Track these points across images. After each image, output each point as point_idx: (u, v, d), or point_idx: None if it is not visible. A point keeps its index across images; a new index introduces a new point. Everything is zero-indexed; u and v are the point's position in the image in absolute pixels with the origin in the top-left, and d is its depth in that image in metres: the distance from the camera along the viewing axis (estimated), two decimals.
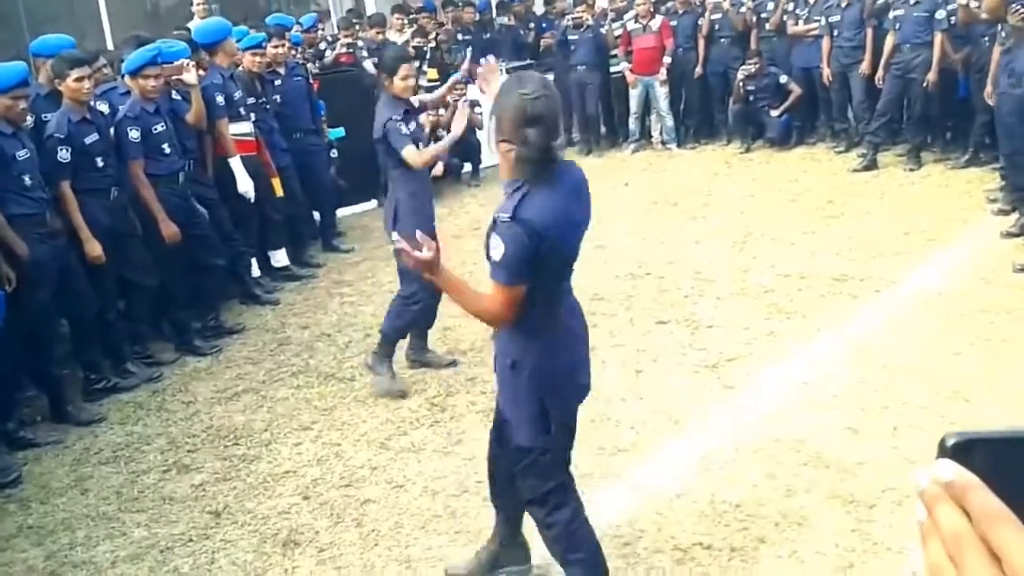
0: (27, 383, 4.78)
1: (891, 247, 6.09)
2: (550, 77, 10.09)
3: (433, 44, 9.62)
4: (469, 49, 9.21)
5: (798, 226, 6.76)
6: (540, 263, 2.46)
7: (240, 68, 6.42)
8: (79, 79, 4.75)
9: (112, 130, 5.07)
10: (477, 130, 9.18)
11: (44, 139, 4.70)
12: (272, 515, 3.66)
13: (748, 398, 4.25)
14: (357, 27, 9.47)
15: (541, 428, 2.68)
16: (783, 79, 9.22)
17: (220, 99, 5.89)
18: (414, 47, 9.00)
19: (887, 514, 3.21)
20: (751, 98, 9.35)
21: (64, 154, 4.70)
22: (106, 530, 3.66)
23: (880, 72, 8.25)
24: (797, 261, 6.00)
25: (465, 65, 5.05)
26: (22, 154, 4.44)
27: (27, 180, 4.45)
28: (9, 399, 4.50)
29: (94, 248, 4.77)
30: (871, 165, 8.21)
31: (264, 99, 6.51)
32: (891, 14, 8.12)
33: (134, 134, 5.02)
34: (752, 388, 4.36)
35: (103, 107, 5.23)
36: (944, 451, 0.67)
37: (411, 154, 4.45)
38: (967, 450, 0.67)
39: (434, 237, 4.30)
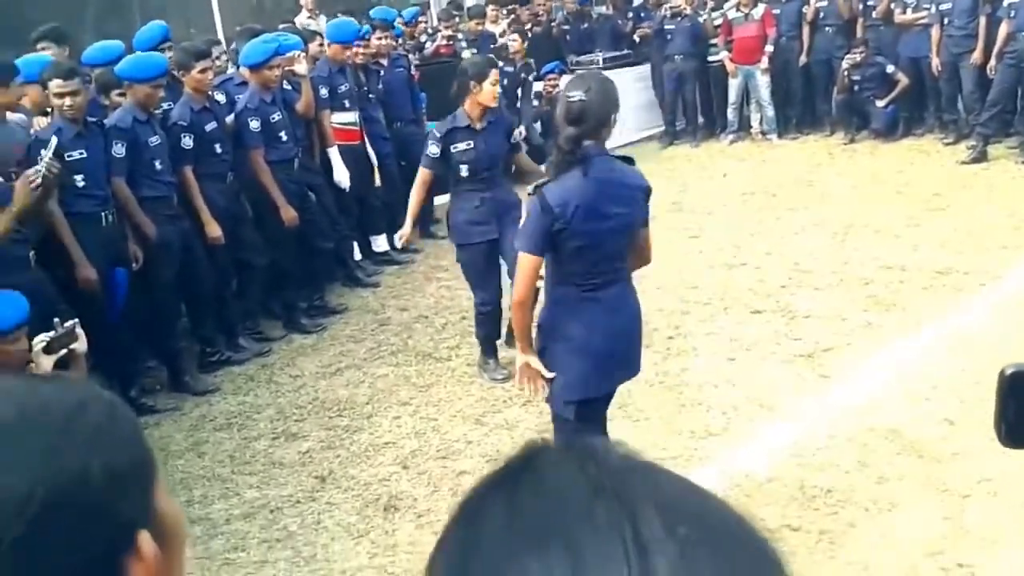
0: (148, 354, 5.13)
1: (998, 241, 5.92)
2: (646, 68, 10.23)
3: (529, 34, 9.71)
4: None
5: (902, 218, 6.62)
6: (555, 240, 2.77)
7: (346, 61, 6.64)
8: (203, 71, 5.05)
9: (229, 119, 5.35)
10: None
11: (168, 127, 5.01)
12: (373, 482, 3.85)
13: (843, 388, 4.24)
14: (457, 19, 9.65)
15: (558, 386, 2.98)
16: (890, 69, 8.99)
17: (324, 92, 6.15)
18: (517, 32, 9.14)
19: (981, 504, 3.18)
20: (856, 88, 9.14)
21: (187, 141, 5.01)
22: (220, 490, 3.93)
23: (992, 62, 7.98)
24: (900, 253, 5.89)
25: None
26: (154, 140, 4.77)
27: (157, 165, 4.79)
28: (132, 369, 4.84)
29: (214, 230, 5.07)
30: (981, 157, 7.95)
31: (368, 89, 6.73)
32: (1006, 1, 7.83)
33: (254, 124, 5.30)
34: (848, 378, 4.34)
35: (220, 97, 5.53)
36: (1002, 381, 0.75)
37: (419, 174, 4.58)
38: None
39: (488, 250, 4.54)
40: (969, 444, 3.57)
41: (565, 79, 9.51)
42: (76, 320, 2.61)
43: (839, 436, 3.78)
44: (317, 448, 4.22)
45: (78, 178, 4.40)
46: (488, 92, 4.41)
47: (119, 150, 4.64)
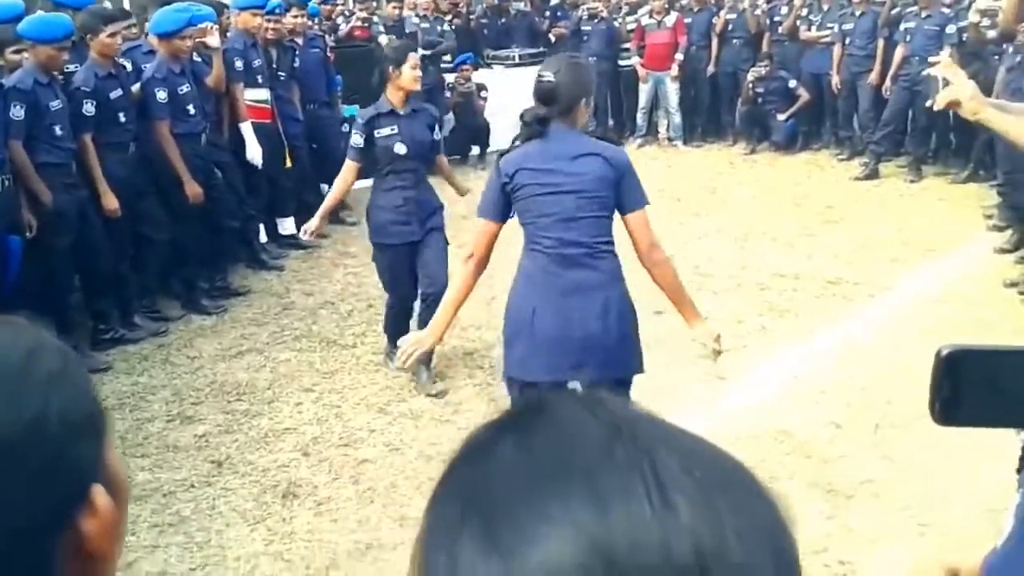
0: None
1: (888, 254, 6.24)
2: None
3: (450, 25, 9.70)
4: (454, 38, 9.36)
5: (798, 228, 6.90)
6: (509, 204, 2.84)
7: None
8: (112, 35, 4.86)
9: (135, 87, 5.16)
10: (480, 115, 9.32)
11: (71, 91, 4.80)
12: (272, 468, 3.80)
13: (738, 389, 4.39)
14: (374, 3, 9.55)
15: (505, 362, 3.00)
16: (792, 83, 9.35)
17: (239, 64, 6.00)
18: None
19: (863, 504, 3.36)
20: (759, 100, 9.47)
21: (89, 107, 4.81)
22: None
23: (888, 83, 8.39)
24: (795, 262, 6.14)
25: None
26: (55, 104, 4.56)
27: (57, 130, 4.58)
28: None
29: (111, 201, 4.88)
30: (873, 174, 8.35)
31: (279, 68, 6.59)
32: (902, 26, 8.25)
33: (161, 95, 5.13)
34: (743, 379, 4.50)
35: (125, 64, 5.33)
36: (938, 361, 0.80)
37: (345, 166, 4.46)
38: (959, 360, 0.80)
39: (406, 252, 4.45)
40: (855, 447, 3.76)
41: (478, 73, 9.64)
42: None
43: (731, 435, 3.91)
44: (214, 432, 4.12)
45: None
46: (408, 76, 4.32)
47: (18, 112, 4.42)
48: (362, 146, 4.33)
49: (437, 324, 3.05)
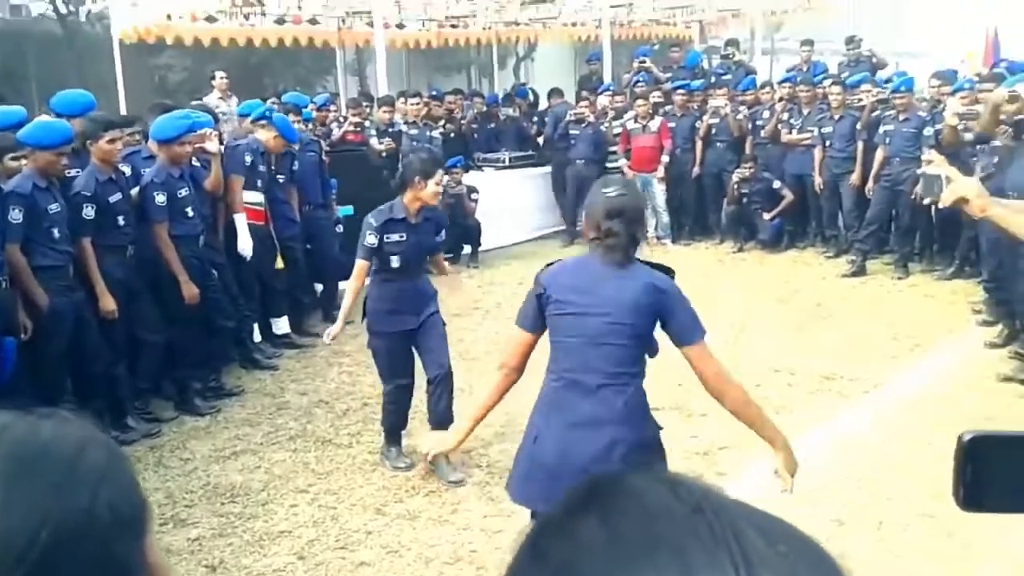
0: None
1: (879, 350, 6.28)
2: (547, 169, 10.57)
3: (442, 130, 9.95)
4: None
5: (789, 325, 6.97)
6: (543, 319, 2.75)
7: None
8: (112, 141, 4.97)
9: (136, 192, 5.25)
10: (470, 216, 9.49)
11: (71, 195, 4.87)
12: (267, 572, 3.71)
13: (738, 485, 4.34)
14: (367, 108, 9.80)
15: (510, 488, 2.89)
16: (776, 184, 9.58)
17: (248, 160, 6.21)
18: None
19: None
20: (744, 200, 9.68)
21: (89, 211, 4.88)
22: None
23: (870, 183, 8.61)
24: (787, 358, 6.17)
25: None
26: (53, 208, 4.63)
27: (56, 233, 4.64)
28: None
29: (108, 303, 4.90)
30: (860, 271, 8.49)
31: (278, 171, 6.72)
32: (881, 129, 8.51)
33: (160, 198, 5.21)
34: (742, 476, 4.46)
35: (126, 169, 5.42)
36: (960, 447, 0.81)
37: (356, 265, 4.44)
38: (982, 446, 0.81)
39: (404, 340, 4.51)
40: (858, 544, 3.71)
41: (468, 176, 9.85)
42: None
43: None
44: (208, 536, 4.03)
45: None
46: (432, 191, 4.39)
47: (16, 216, 4.48)
48: (375, 246, 4.37)
49: (461, 427, 2.98)
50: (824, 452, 4.71)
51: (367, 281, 4.55)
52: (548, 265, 2.86)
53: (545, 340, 2.82)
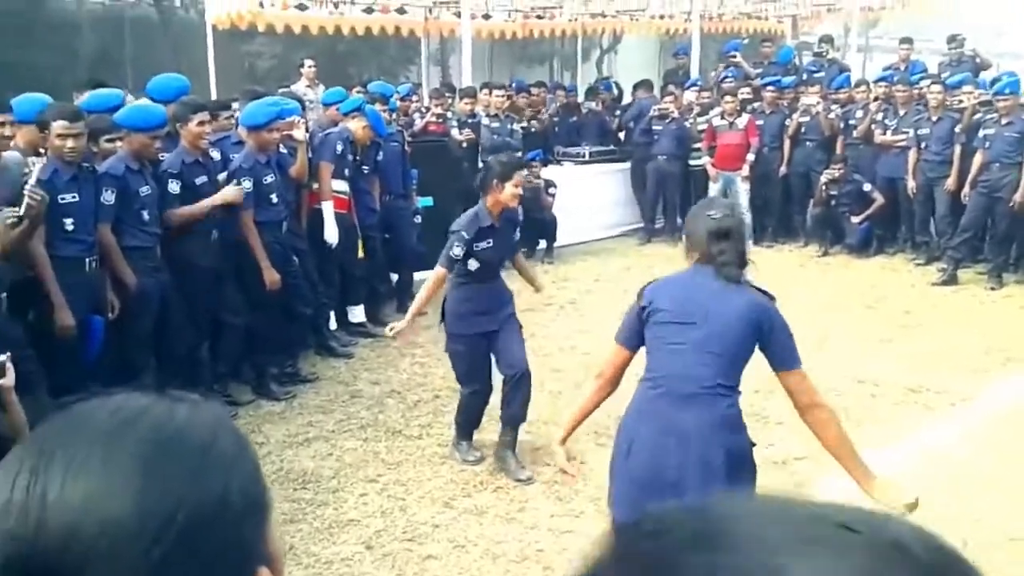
0: None
1: (969, 363, 6.02)
2: (627, 165, 10.43)
3: (525, 123, 9.91)
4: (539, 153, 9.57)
5: (875, 333, 6.73)
6: (642, 336, 2.76)
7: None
8: (201, 123, 5.07)
9: (222, 176, 5.34)
10: (547, 210, 9.43)
11: (158, 174, 4.99)
12: (335, 560, 3.74)
13: (817, 498, 4.21)
14: (449, 98, 9.82)
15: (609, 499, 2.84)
16: (867, 187, 9.26)
17: (339, 148, 6.29)
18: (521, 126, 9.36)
19: None
20: (833, 202, 9.40)
21: (174, 186, 4.98)
22: None
23: (966, 189, 8.26)
24: (872, 368, 5.96)
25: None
26: (144, 190, 4.75)
27: (145, 215, 4.76)
28: None
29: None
30: (951, 280, 8.16)
31: (363, 162, 6.78)
32: (981, 132, 8.16)
33: (247, 184, 5.29)
34: (820, 488, 4.32)
35: (215, 154, 5.53)
36: None
37: (435, 272, 4.39)
38: None
39: (483, 342, 4.48)
40: None
41: (547, 170, 9.79)
42: (7, 354, 2.53)
43: None
44: (279, 521, 4.08)
45: (67, 222, 4.36)
46: (510, 193, 4.35)
47: (108, 197, 4.61)
48: (460, 257, 4.34)
49: (566, 430, 3.06)
50: (908, 466, 4.53)
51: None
52: (651, 282, 2.88)
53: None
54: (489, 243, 4.39)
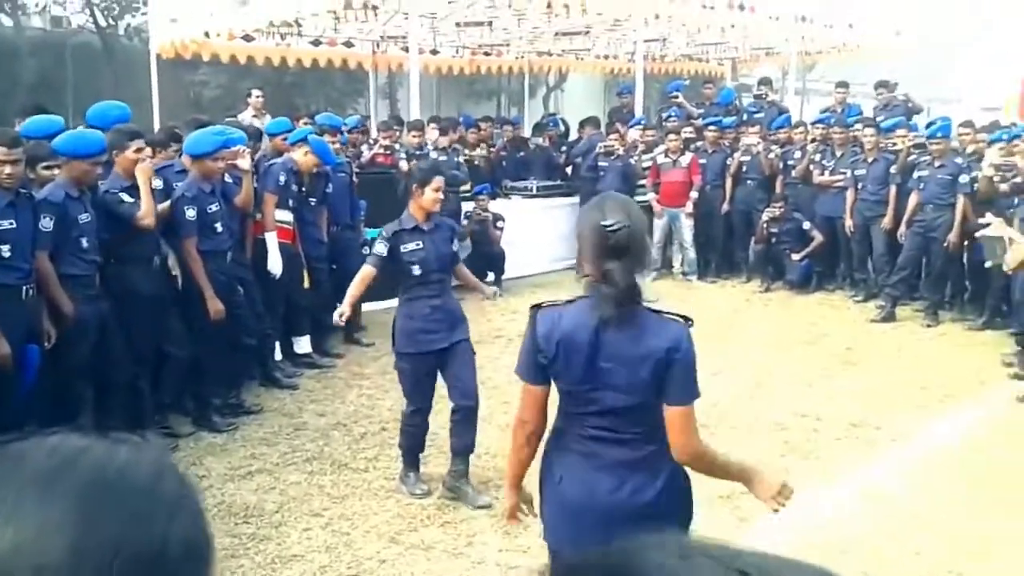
0: None
1: (908, 399, 6.16)
2: (576, 200, 10.56)
3: (472, 156, 9.97)
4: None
5: (815, 369, 6.85)
6: (546, 373, 2.44)
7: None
8: (137, 150, 4.99)
9: (164, 205, 5.25)
10: (495, 244, 9.47)
11: (100, 195, 4.90)
12: None
13: (762, 533, 4.24)
14: (397, 131, 9.82)
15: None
16: (806, 225, 9.49)
17: (282, 179, 6.25)
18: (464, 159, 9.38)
19: None
20: (773, 240, 9.60)
21: (126, 206, 4.90)
22: None
23: (902, 228, 8.51)
24: (813, 403, 6.06)
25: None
26: (84, 217, 4.65)
27: (84, 243, 4.65)
28: None
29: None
30: (889, 317, 8.36)
31: (310, 194, 6.72)
32: (915, 174, 8.43)
33: (190, 213, 5.22)
34: (765, 524, 4.34)
35: (157, 183, 5.42)
36: None
37: (362, 270, 4.48)
38: None
39: (430, 360, 4.44)
40: None
41: (495, 203, 9.85)
42: None
43: None
44: (220, 557, 3.95)
45: (4, 248, 4.23)
46: (429, 198, 4.41)
47: (47, 224, 4.49)
48: (384, 255, 4.39)
49: (508, 492, 2.73)
50: (852, 502, 4.60)
51: (398, 301, 4.52)
52: (537, 307, 2.46)
53: None
54: (419, 245, 4.40)
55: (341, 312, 4.49)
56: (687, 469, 2.52)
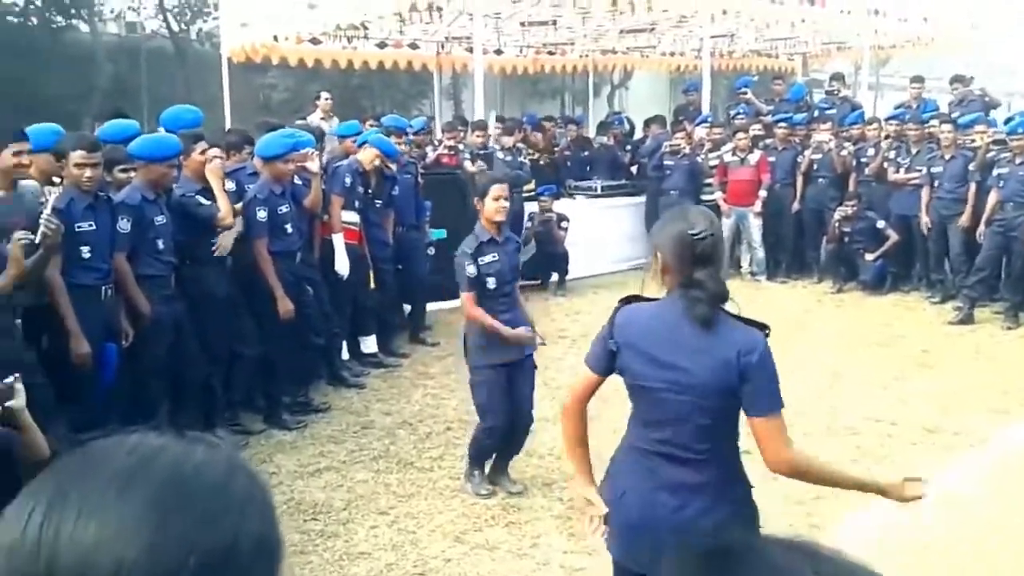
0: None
1: (986, 403, 5.95)
2: (642, 199, 10.47)
3: (536, 156, 9.96)
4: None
5: (890, 372, 6.67)
6: (613, 363, 2.44)
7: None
8: (202, 152, 5.11)
9: (237, 206, 5.36)
10: (559, 244, 9.44)
11: (174, 200, 5.02)
12: None
13: (834, 539, 4.14)
14: (461, 132, 9.87)
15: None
16: (880, 224, 9.24)
17: (348, 181, 6.33)
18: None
19: None
20: (846, 239, 9.37)
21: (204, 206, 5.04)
22: None
23: (981, 227, 8.23)
24: (888, 407, 5.90)
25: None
26: (159, 219, 4.78)
27: (160, 244, 4.78)
28: None
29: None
30: (967, 319, 8.10)
31: (376, 195, 6.80)
32: (995, 171, 8.15)
33: (261, 214, 5.32)
34: (839, 529, 4.25)
35: (230, 184, 5.54)
36: None
37: (464, 300, 4.43)
38: None
39: (503, 373, 4.45)
40: None
41: (559, 203, 9.81)
42: (16, 375, 2.49)
43: None
44: (288, 553, 3.98)
45: (84, 250, 4.37)
46: (491, 208, 4.40)
47: (124, 226, 4.63)
48: (475, 275, 4.38)
49: (572, 484, 2.78)
50: (928, 509, 4.45)
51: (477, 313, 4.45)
52: (625, 301, 2.49)
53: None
54: (495, 257, 4.42)
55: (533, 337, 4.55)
56: (753, 498, 2.48)
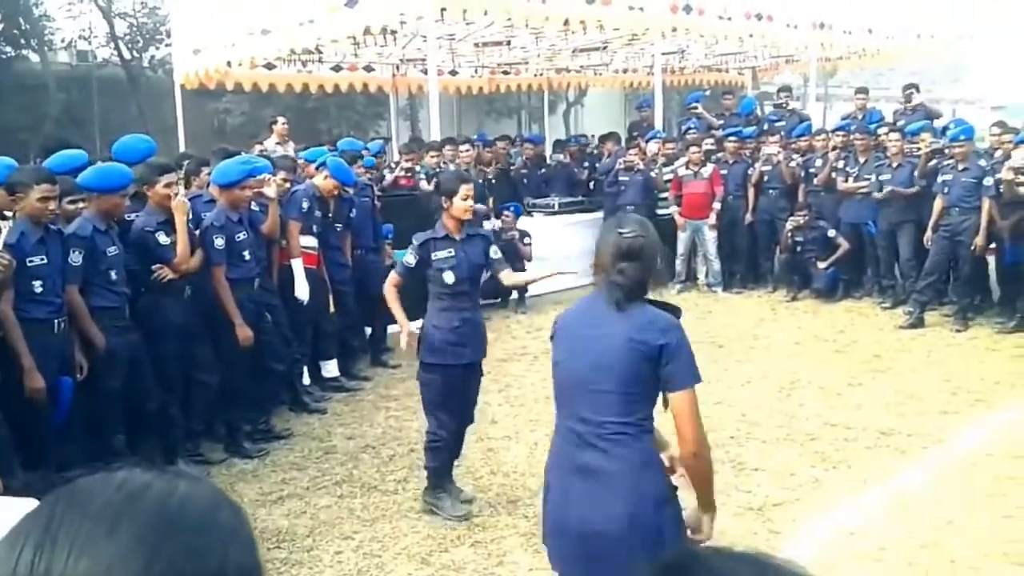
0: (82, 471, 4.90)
1: (938, 405, 6.09)
2: (599, 215, 10.58)
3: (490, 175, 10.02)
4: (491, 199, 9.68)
5: (844, 377, 6.80)
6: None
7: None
8: (167, 185, 5.07)
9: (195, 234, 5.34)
10: (525, 260, 9.49)
11: (130, 234, 5.00)
12: None
13: (793, 544, 4.21)
14: (420, 153, 9.91)
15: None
16: (831, 233, 9.43)
17: (305, 205, 6.32)
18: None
19: None
20: (798, 248, 9.55)
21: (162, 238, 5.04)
22: None
23: (928, 233, 8.43)
24: (843, 412, 6.02)
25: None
26: (112, 250, 4.74)
27: (113, 275, 4.74)
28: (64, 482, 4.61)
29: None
30: (918, 323, 8.28)
31: (335, 219, 6.80)
32: (940, 178, 8.36)
33: (219, 241, 5.30)
34: (797, 535, 4.32)
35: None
36: None
37: (389, 279, 4.52)
38: None
39: (460, 376, 4.45)
40: None
41: (522, 220, 9.88)
42: None
43: None
44: None
45: (36, 284, 4.32)
46: (459, 206, 4.37)
47: (76, 258, 4.58)
48: (412, 266, 4.41)
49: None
50: (883, 511, 4.56)
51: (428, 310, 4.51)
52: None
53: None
54: (451, 253, 4.38)
55: (409, 333, 4.48)
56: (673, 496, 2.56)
